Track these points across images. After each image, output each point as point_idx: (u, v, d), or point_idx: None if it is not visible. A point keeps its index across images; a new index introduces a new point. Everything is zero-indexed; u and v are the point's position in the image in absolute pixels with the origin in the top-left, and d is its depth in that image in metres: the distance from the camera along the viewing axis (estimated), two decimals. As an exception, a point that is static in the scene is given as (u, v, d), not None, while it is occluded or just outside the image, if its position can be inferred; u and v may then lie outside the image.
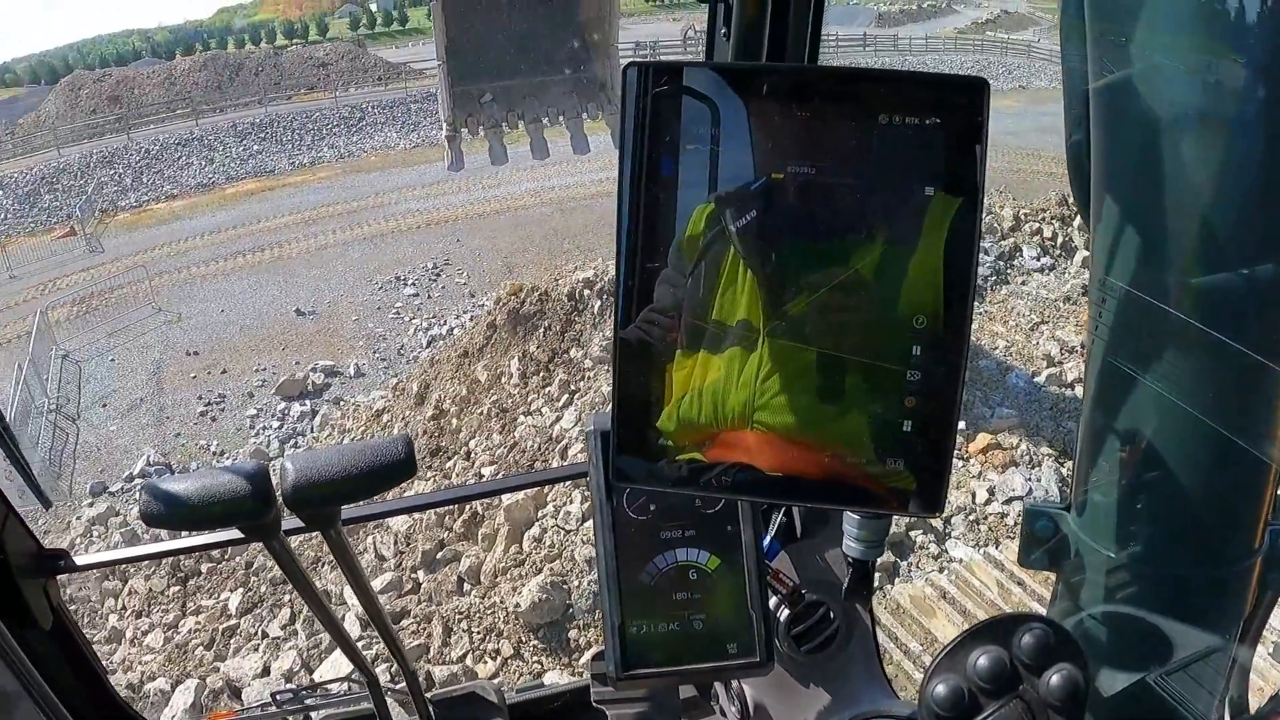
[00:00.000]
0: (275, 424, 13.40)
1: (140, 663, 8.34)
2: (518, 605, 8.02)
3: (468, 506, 9.03)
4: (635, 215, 0.77)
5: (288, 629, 8.30)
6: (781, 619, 1.12)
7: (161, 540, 1.59)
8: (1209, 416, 1.08)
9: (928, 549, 8.70)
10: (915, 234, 0.75)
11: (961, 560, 8.37)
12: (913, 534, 8.81)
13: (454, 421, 11.42)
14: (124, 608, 9.24)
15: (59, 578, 1.51)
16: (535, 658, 7.79)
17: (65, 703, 1.40)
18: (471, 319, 15.15)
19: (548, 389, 11.48)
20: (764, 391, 0.79)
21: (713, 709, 2.06)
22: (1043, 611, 1.20)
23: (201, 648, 8.45)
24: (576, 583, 8.15)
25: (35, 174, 26.84)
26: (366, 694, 1.65)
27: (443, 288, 17.55)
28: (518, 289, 13.09)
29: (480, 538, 9.06)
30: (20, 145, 29.96)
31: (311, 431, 13.18)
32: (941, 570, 8.40)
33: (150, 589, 9.14)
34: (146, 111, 31.97)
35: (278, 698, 1.65)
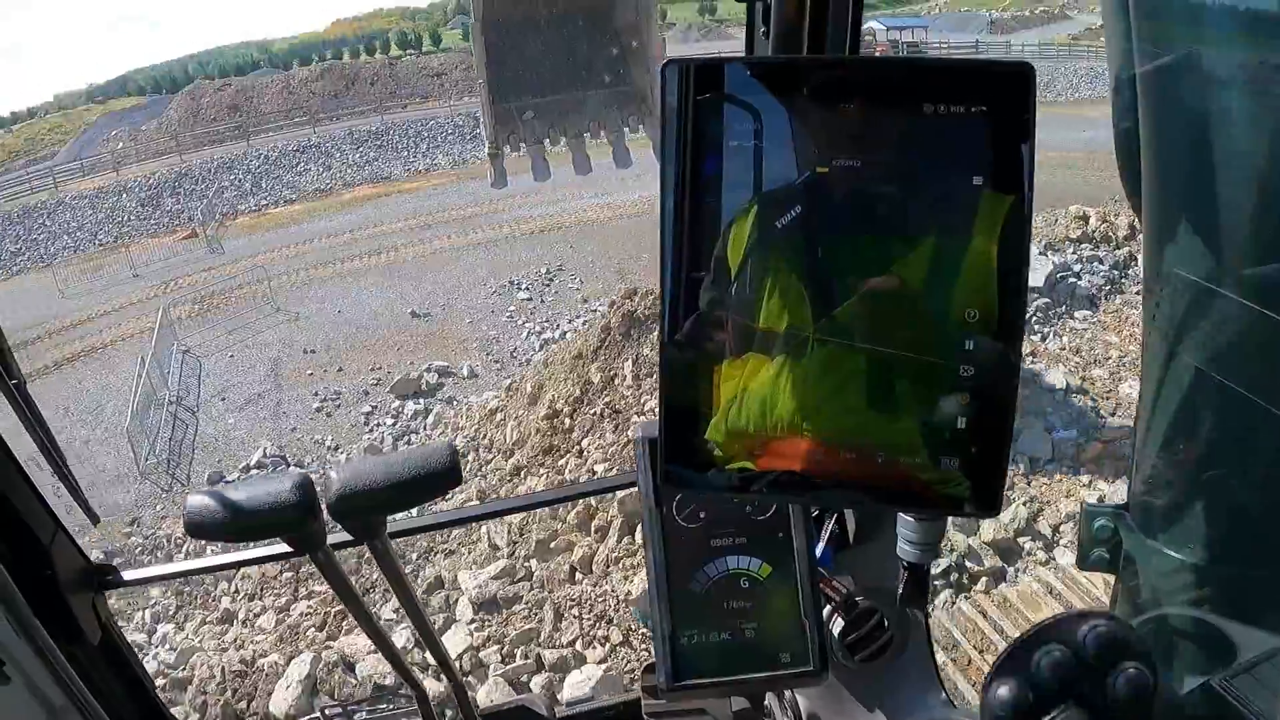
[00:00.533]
0: (389, 421, 13.69)
1: (252, 641, 8.52)
2: (629, 593, 8.23)
3: (581, 501, 9.21)
4: (680, 221, 0.76)
5: (400, 612, 8.44)
6: (835, 628, 1.09)
7: (210, 555, 1.60)
8: (1273, 406, 1.04)
9: (1035, 555, 8.65)
10: (967, 231, 0.73)
11: (1069, 566, 8.29)
12: (1021, 540, 8.75)
13: (566, 421, 11.62)
14: (236, 591, 9.45)
15: (108, 592, 1.52)
16: (644, 645, 7.88)
17: (113, 716, 1.41)
18: (584, 323, 15.38)
19: (662, 390, 11.67)
20: (814, 397, 0.77)
21: (766, 720, 2.02)
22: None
23: (314, 629, 8.61)
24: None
25: (158, 179, 28.25)
26: (415, 708, 1.65)
27: (555, 292, 17.85)
28: (631, 293, 13.28)
29: (593, 529, 9.27)
30: (143, 151, 31.78)
31: (425, 429, 13.46)
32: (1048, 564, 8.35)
33: (263, 574, 9.37)
34: (265, 119, 33.98)
35: (326, 712, 1.64)
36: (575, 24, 9.46)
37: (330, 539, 1.10)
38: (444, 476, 1.05)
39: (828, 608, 1.08)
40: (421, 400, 14.18)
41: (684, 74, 0.74)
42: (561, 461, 11.12)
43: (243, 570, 9.34)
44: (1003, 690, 0.47)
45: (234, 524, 1.00)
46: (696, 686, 0.98)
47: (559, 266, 18.70)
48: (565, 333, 15.78)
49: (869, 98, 0.74)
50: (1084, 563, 1.20)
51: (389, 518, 1.10)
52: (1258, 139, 0.98)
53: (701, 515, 1.01)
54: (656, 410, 0.80)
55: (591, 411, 11.64)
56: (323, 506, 1.04)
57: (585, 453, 11.08)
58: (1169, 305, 1.04)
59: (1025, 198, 0.72)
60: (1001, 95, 0.71)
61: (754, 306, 0.76)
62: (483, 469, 11.39)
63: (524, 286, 18.01)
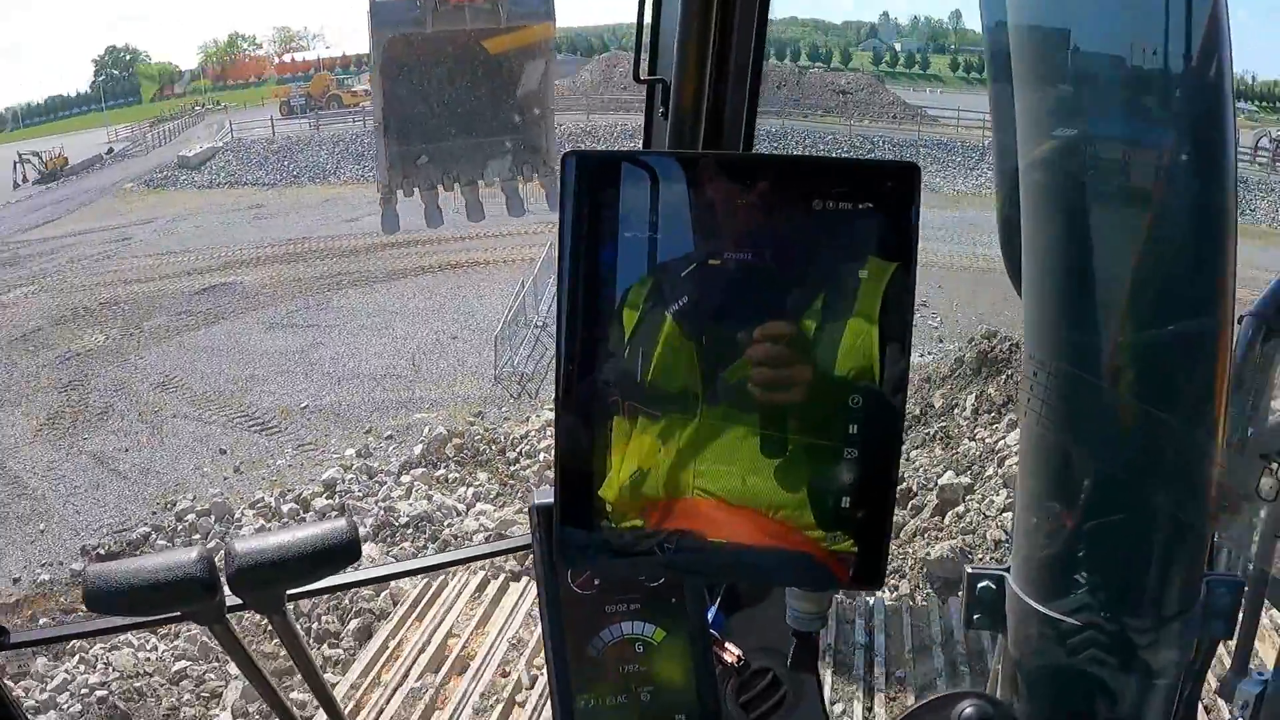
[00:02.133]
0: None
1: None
2: (928, 555, 9.89)
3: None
4: (574, 293, 0.78)
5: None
6: (729, 688, 1.12)
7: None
8: (1140, 477, 1.11)
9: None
10: (851, 299, 0.77)
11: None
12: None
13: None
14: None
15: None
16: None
17: None
18: (934, 358, 15.90)
19: (995, 426, 12.65)
20: (704, 459, 0.79)
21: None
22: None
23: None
24: (978, 556, 9.93)
25: (563, 131, 28.60)
26: None
27: (915, 325, 17.88)
28: (991, 334, 14.21)
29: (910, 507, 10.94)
30: (556, 103, 31.89)
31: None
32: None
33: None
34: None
35: None
36: (475, 74, 9.63)
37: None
38: (344, 551, 1.06)
39: (720, 669, 1.10)
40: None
41: (583, 165, 0.76)
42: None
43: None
44: None
45: (134, 599, 0.99)
46: None
47: (923, 303, 19.01)
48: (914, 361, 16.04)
49: (762, 193, 0.77)
50: (969, 624, 1.25)
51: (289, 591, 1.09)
52: (1129, 226, 1.06)
53: (596, 582, 1.03)
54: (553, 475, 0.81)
55: (926, 431, 12.91)
56: (223, 580, 1.03)
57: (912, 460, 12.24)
58: (1042, 385, 1.10)
59: (910, 269, 0.76)
60: (890, 193, 0.76)
61: (645, 370, 0.78)
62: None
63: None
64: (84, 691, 4.27)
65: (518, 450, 7.06)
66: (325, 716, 1.39)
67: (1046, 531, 1.20)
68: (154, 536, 6.58)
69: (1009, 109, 1.07)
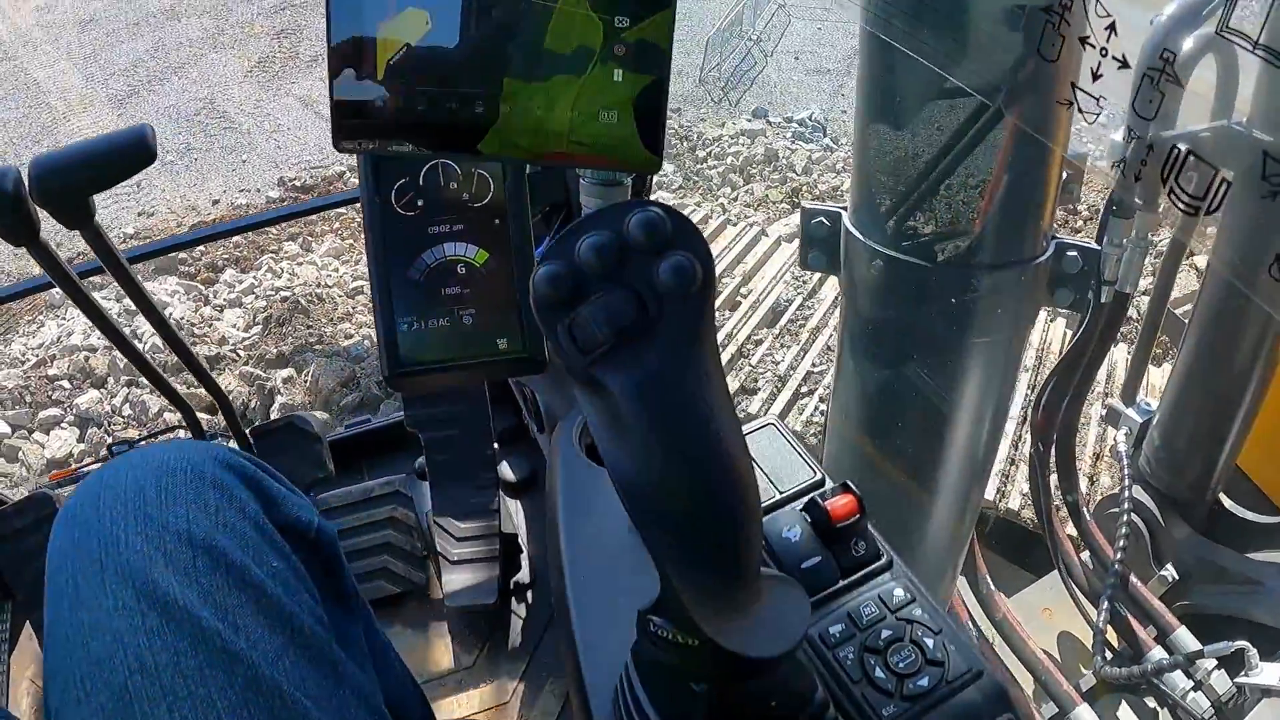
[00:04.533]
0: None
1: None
2: None
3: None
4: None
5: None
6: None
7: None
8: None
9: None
10: None
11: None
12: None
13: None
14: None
15: None
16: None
17: None
18: None
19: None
20: None
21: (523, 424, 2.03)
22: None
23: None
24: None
25: None
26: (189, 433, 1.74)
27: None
28: None
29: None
30: None
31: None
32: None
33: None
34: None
35: (114, 449, 1.74)
36: None
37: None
38: (140, 151, 1.10)
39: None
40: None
41: None
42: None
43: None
44: (542, 270, 0.45)
45: None
46: (416, 372, 1.00)
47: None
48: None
49: None
50: (804, 263, 1.17)
51: (95, 200, 1.15)
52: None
53: (420, 203, 1.01)
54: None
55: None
56: (29, 195, 1.09)
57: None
58: None
59: None
60: None
61: None
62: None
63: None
64: (269, 292, 4.98)
65: (707, 150, 6.75)
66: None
67: (881, 166, 1.06)
68: (347, 175, 7.10)
69: None
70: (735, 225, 4.56)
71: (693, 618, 0.49)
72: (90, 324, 1.43)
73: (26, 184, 1.08)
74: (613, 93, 0.68)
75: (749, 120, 7.69)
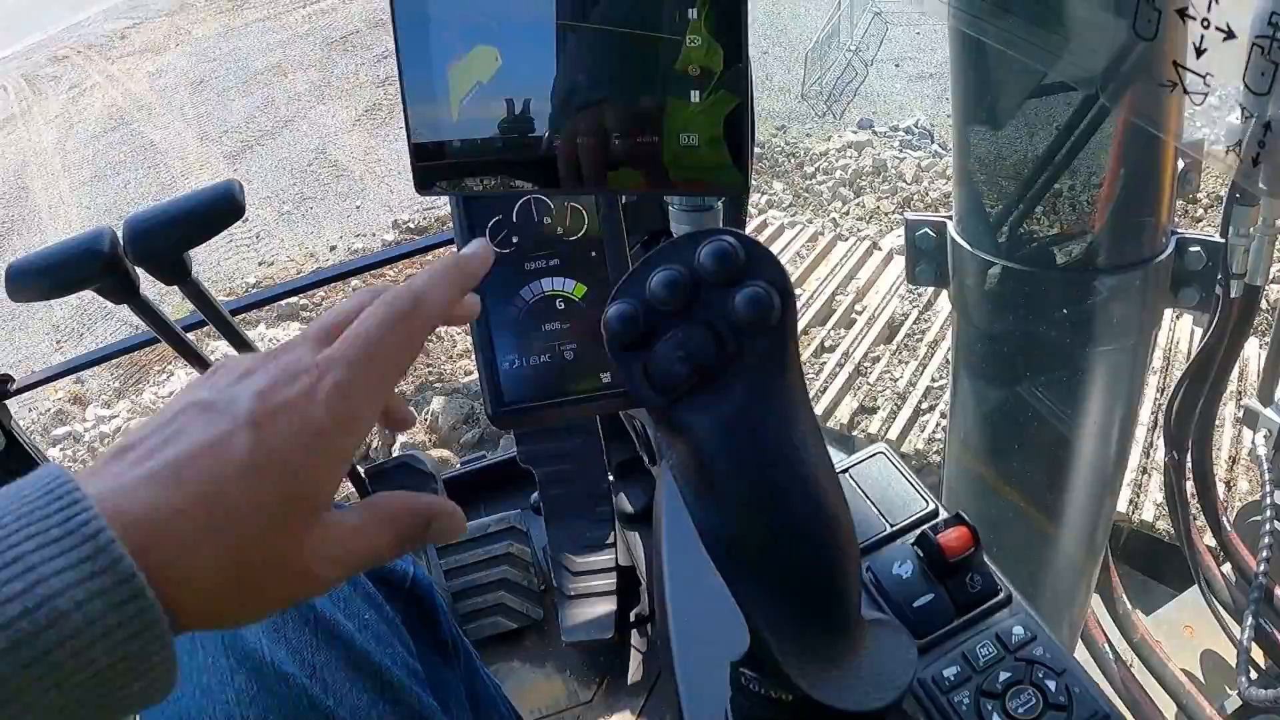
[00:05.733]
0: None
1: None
2: None
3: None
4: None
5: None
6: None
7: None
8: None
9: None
10: None
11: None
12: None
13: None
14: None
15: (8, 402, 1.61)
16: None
17: None
18: None
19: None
20: None
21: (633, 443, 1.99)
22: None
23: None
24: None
25: None
26: None
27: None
28: None
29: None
30: None
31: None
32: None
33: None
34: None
35: None
36: None
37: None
38: (228, 206, 1.13)
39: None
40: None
41: None
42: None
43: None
44: (612, 310, 0.43)
45: (44, 281, 1.10)
46: (520, 410, 0.98)
47: None
48: None
49: None
50: (911, 277, 1.10)
51: (192, 256, 1.19)
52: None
53: (514, 240, 1.01)
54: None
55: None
56: (125, 254, 1.12)
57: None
58: None
59: None
60: None
61: None
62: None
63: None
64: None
65: (815, 166, 6.67)
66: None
67: (987, 176, 1.00)
68: (461, 214, 7.50)
69: None
70: (846, 240, 4.46)
71: (785, 671, 0.45)
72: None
73: (121, 244, 1.12)
74: (707, 115, 0.67)
75: (854, 132, 7.52)
